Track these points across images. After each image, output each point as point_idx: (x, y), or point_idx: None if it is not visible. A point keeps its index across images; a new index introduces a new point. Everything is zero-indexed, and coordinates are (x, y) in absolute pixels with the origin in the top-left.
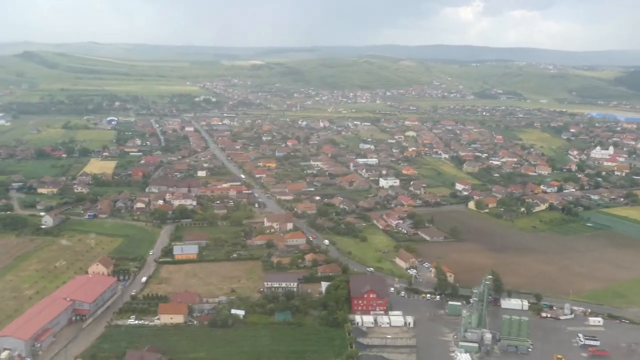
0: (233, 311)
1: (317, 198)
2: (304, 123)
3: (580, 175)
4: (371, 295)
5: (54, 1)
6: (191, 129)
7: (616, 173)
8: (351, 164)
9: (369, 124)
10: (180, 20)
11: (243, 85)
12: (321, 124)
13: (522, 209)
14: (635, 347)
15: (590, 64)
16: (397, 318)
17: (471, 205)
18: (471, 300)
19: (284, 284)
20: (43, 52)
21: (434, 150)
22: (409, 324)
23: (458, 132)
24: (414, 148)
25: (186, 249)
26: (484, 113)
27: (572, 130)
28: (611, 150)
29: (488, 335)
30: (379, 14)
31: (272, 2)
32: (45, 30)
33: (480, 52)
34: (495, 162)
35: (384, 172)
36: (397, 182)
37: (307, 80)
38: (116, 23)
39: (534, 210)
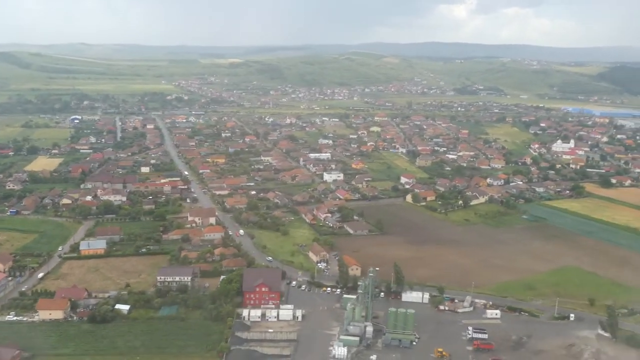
0: (118, 306)
1: (253, 192)
2: (271, 119)
3: (533, 168)
4: (263, 289)
5: (46, 3)
6: (152, 126)
7: (571, 166)
8: (301, 159)
9: (337, 120)
10: (173, 20)
11: (219, 84)
12: (287, 121)
13: (460, 202)
14: (525, 340)
15: (582, 60)
16: (286, 312)
17: (408, 198)
18: (358, 293)
19: (177, 278)
20: (18, 52)
21: (393, 144)
22: (297, 317)
23: (425, 127)
24: (372, 143)
25: (93, 244)
26: (459, 108)
27: (542, 124)
28: (572, 143)
29: (369, 329)
30: (374, 13)
31: (266, 1)
32: (36, 31)
33: (472, 49)
34: (451, 156)
35: (332, 166)
36: (340, 177)
37: (285, 77)
38: (108, 24)
39: (471, 203)
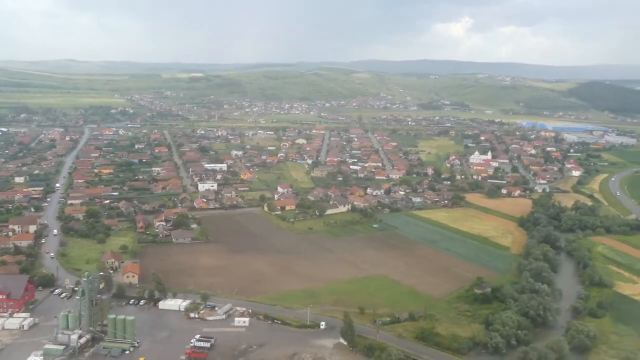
0: None
1: (107, 202)
2: (202, 132)
3: (429, 179)
4: (1, 297)
5: (42, 19)
6: (68, 138)
7: (473, 177)
8: (190, 170)
9: (271, 132)
10: (167, 38)
11: (175, 97)
12: (218, 133)
13: (316, 211)
14: (253, 349)
15: (574, 78)
16: (13, 321)
17: (266, 207)
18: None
19: None
20: None
21: (303, 156)
22: (23, 327)
23: (356, 139)
24: (282, 154)
25: None
26: (410, 123)
27: (482, 138)
28: (489, 155)
29: (74, 337)
30: (373, 31)
31: (262, 18)
32: (31, 48)
33: (465, 67)
34: (353, 167)
35: (218, 177)
36: (214, 186)
37: (245, 92)
38: (102, 41)
39: (327, 213)
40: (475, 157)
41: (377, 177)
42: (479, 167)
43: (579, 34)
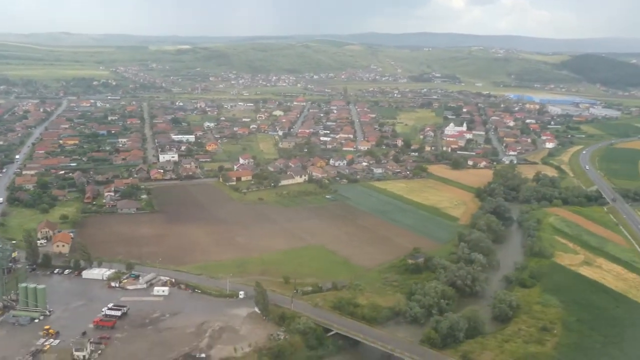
0: None
1: (62, 172)
2: (180, 104)
3: (395, 151)
4: None
5: None
6: (41, 110)
7: (444, 148)
8: (156, 140)
9: (252, 104)
10: (165, 10)
11: (160, 70)
12: (197, 105)
13: (271, 182)
14: (165, 317)
15: (573, 50)
16: None
17: (221, 178)
18: None
19: None
20: None
21: (276, 127)
22: None
23: (335, 111)
24: (254, 126)
25: None
26: (396, 95)
27: (465, 110)
28: (464, 127)
29: None
30: (371, 4)
31: None
32: (24, 20)
33: (464, 39)
34: (324, 139)
35: (183, 148)
36: (175, 157)
37: (232, 64)
38: (97, 13)
39: (282, 183)
40: (450, 129)
41: (344, 149)
42: (450, 139)
43: (582, 6)
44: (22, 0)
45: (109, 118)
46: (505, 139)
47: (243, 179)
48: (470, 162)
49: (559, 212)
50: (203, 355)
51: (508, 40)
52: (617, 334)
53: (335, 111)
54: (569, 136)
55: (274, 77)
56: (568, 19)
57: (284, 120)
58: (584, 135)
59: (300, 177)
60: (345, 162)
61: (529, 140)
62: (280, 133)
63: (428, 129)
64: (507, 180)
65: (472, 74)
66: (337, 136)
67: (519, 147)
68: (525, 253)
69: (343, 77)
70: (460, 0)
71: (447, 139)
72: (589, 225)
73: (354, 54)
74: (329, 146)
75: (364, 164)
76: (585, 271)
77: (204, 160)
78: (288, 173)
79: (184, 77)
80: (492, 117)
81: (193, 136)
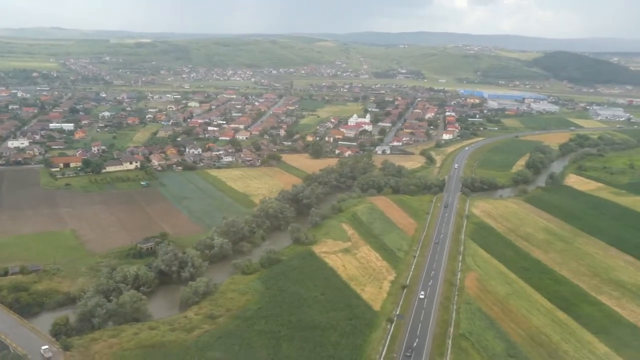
0: None
1: None
2: (103, 95)
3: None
4: None
5: None
6: None
7: (326, 138)
8: (26, 127)
9: (178, 96)
10: (164, 7)
11: (114, 63)
12: (123, 96)
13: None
14: None
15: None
16: None
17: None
18: None
19: None
20: None
21: (170, 118)
22: None
23: (257, 104)
24: (149, 116)
25: None
26: (343, 90)
27: (397, 103)
28: (367, 118)
29: None
30: (375, 2)
31: None
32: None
33: (461, 38)
34: (211, 128)
35: (38, 136)
36: (25, 143)
37: (190, 58)
38: (92, 9)
39: (107, 170)
40: (353, 120)
41: (220, 138)
42: (335, 130)
43: (586, 6)
44: None
45: (10, 107)
46: (404, 130)
47: (72, 165)
48: (337, 151)
49: (379, 200)
50: None
51: (505, 40)
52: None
53: (256, 103)
54: (482, 129)
55: (230, 72)
56: (572, 19)
57: (199, 112)
58: (496, 128)
59: (131, 163)
60: (199, 150)
61: (423, 131)
62: (170, 123)
63: (333, 120)
64: (349, 168)
65: (439, 70)
66: (228, 125)
67: (407, 138)
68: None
69: (303, 72)
70: (463, 0)
71: (341, 129)
72: (395, 214)
73: (322, 50)
74: (212, 135)
75: (220, 152)
76: (330, 258)
77: (57, 147)
78: (117, 160)
79: (134, 70)
80: (416, 110)
81: (72, 125)
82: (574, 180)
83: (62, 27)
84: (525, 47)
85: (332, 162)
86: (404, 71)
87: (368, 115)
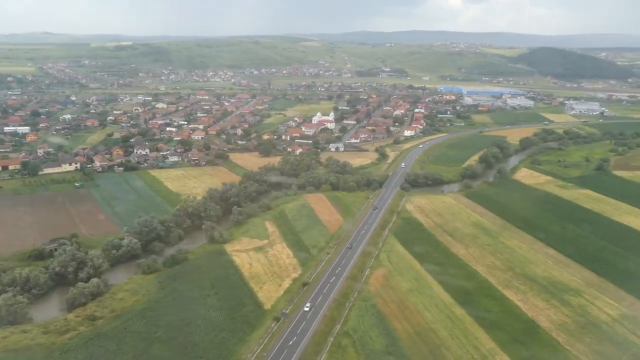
0: None
1: None
2: (73, 98)
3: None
4: None
5: None
6: None
7: (282, 137)
8: None
9: (149, 98)
10: (158, 11)
11: (93, 66)
12: (92, 99)
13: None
14: None
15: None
16: None
17: None
18: None
19: None
20: None
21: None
22: None
23: (226, 104)
24: (111, 117)
25: None
26: (321, 88)
27: (370, 101)
28: (330, 116)
29: None
30: (368, 3)
31: None
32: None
33: (455, 37)
34: (170, 129)
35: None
36: None
37: (171, 60)
38: (89, 14)
39: (44, 172)
40: (316, 118)
41: (175, 138)
42: (293, 129)
43: (580, 3)
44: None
45: None
46: (367, 127)
47: (11, 167)
48: (289, 149)
49: (313, 197)
50: None
51: (499, 37)
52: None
53: (226, 104)
54: (448, 124)
55: (211, 73)
56: (565, 16)
57: (158, 112)
58: (463, 124)
59: (70, 165)
60: (147, 150)
61: (383, 128)
62: (128, 124)
63: (297, 118)
64: (289, 165)
65: (423, 68)
66: (187, 126)
67: (365, 135)
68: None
69: (285, 72)
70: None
71: (302, 128)
72: (325, 211)
73: (306, 49)
74: (164, 135)
75: (167, 152)
76: (239, 256)
77: (2, 150)
78: (54, 162)
79: (111, 73)
80: (385, 108)
81: (28, 128)
82: (524, 174)
83: (53, 32)
84: (518, 44)
85: (275, 159)
86: (388, 69)
87: (332, 114)
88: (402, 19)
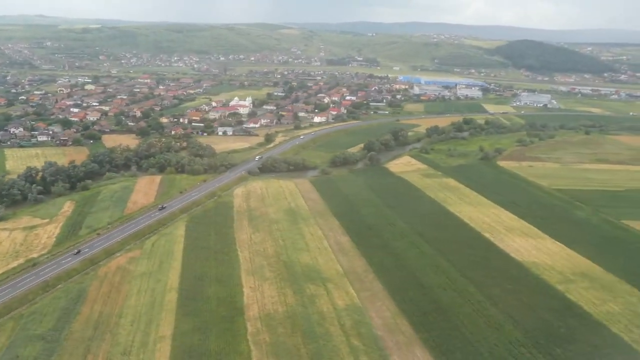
0: None
1: None
2: (28, 79)
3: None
4: None
5: None
6: None
7: (180, 120)
8: None
9: (90, 80)
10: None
11: (55, 48)
12: (26, 80)
13: None
14: None
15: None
16: None
17: None
18: None
19: None
20: None
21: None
22: None
23: (161, 87)
24: (23, 97)
25: None
26: (277, 75)
27: (314, 88)
28: (247, 101)
29: None
30: None
31: None
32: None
33: (453, 29)
34: (74, 110)
35: None
36: None
37: (137, 44)
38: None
39: None
40: (234, 102)
41: (71, 118)
42: (192, 112)
43: None
44: None
45: None
46: (281, 112)
47: None
48: (173, 132)
49: (146, 180)
50: None
51: (494, 30)
52: None
53: (161, 87)
54: (371, 112)
55: (176, 58)
56: (570, 11)
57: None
58: (387, 112)
59: None
60: (21, 129)
61: (291, 114)
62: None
63: (214, 103)
64: (143, 147)
65: (396, 58)
66: (99, 107)
67: (266, 120)
68: None
69: (253, 59)
70: None
71: (210, 112)
72: (142, 194)
73: (282, 37)
74: (63, 115)
75: (38, 132)
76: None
77: None
78: None
79: (71, 56)
80: (319, 95)
81: None
82: (399, 162)
83: (46, 14)
84: (512, 38)
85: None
86: (360, 59)
87: (249, 99)
88: (405, 8)
